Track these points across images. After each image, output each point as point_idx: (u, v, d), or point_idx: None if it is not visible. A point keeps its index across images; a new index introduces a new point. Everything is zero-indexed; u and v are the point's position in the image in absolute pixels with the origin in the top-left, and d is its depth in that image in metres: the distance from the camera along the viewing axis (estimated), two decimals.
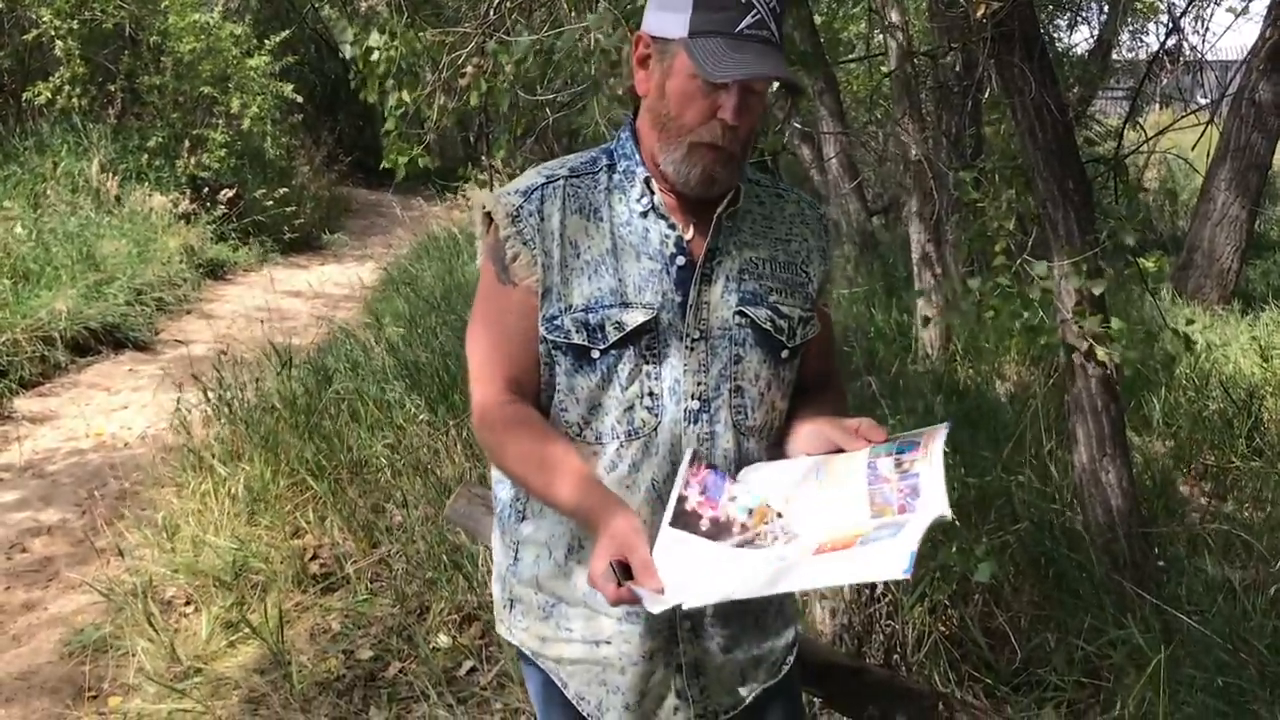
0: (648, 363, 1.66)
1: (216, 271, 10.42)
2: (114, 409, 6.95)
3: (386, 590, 4.10)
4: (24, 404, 7.09)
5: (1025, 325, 3.24)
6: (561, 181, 1.70)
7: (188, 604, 4.27)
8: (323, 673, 3.65)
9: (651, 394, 1.66)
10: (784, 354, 1.73)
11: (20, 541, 5.13)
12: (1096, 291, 3.32)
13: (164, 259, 9.42)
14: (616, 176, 1.71)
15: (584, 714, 1.80)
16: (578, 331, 1.65)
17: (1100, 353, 3.30)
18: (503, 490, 1.84)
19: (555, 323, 1.66)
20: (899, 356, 5.53)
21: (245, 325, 8.35)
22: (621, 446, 1.68)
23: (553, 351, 1.69)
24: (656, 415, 1.66)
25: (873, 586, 3.25)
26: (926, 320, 5.67)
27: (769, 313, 1.71)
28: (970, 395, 5.15)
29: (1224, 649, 2.89)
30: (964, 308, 3.69)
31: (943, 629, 3.30)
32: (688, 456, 1.60)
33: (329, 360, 6.23)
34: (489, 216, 1.72)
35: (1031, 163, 3.39)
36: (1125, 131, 3.89)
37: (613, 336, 1.64)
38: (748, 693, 1.83)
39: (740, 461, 1.70)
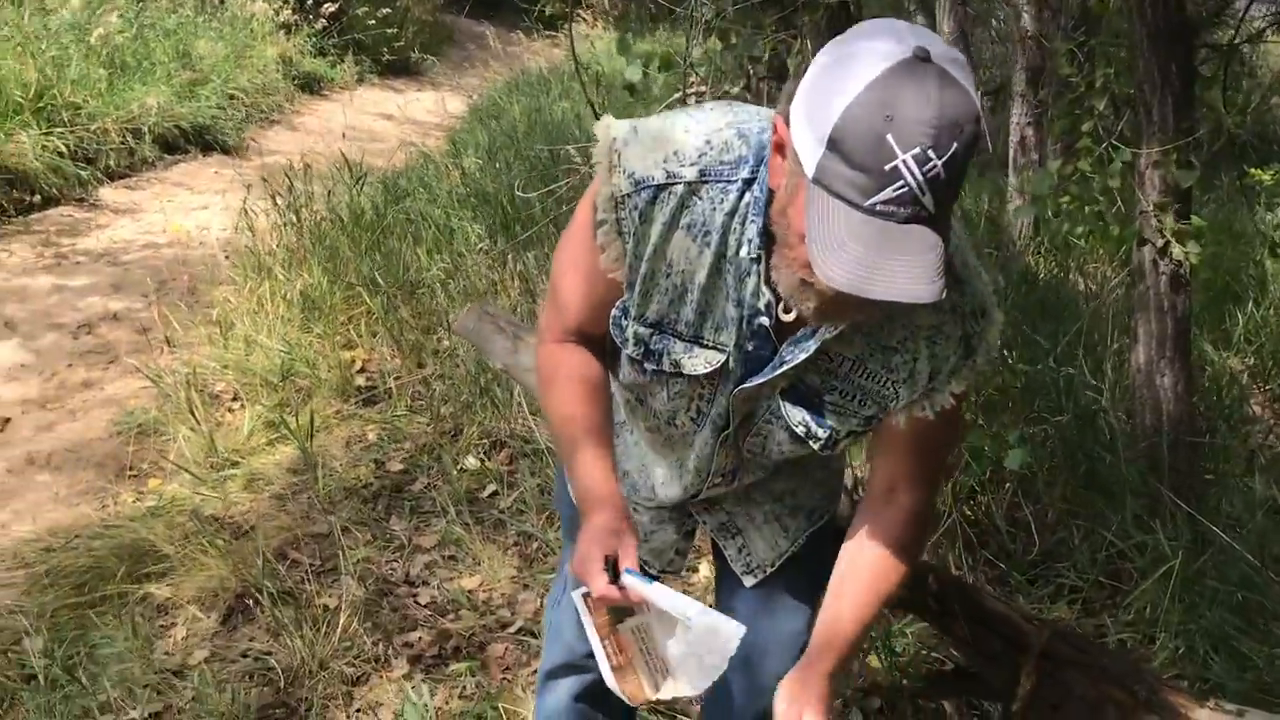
0: (702, 391, 1.55)
1: (311, 85, 10.40)
2: (194, 208, 7.05)
3: (424, 409, 4.14)
4: (109, 194, 7.22)
5: (1094, 213, 3.06)
6: (681, 189, 1.39)
7: (234, 400, 4.37)
8: (352, 479, 3.72)
9: (699, 412, 1.59)
10: (819, 449, 1.56)
11: (88, 324, 5.27)
12: (1184, 184, 3.13)
13: (260, 66, 9.42)
14: (749, 198, 1.39)
15: None
16: (636, 345, 1.53)
17: (1176, 250, 3.13)
18: None
19: (621, 324, 1.54)
20: (980, 237, 5.34)
21: (331, 141, 8.35)
22: (654, 421, 1.67)
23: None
24: (699, 425, 1.61)
25: None
26: (1016, 208, 5.44)
27: (807, 416, 1.51)
28: (1043, 286, 4.97)
29: (1250, 565, 2.79)
30: (1041, 191, 3.51)
31: (967, 512, 3.24)
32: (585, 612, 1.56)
33: (402, 181, 6.22)
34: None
35: (1136, 40, 3.17)
36: (1246, 19, 3.61)
37: (667, 369, 1.54)
38: (788, 543, 1.81)
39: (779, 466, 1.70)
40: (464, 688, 2.71)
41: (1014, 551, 3.23)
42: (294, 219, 5.33)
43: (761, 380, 1.49)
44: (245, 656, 2.82)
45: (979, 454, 3.10)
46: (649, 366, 1.54)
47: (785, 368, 1.46)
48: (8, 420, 4.34)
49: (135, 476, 3.95)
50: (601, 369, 1.64)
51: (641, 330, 1.51)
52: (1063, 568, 3.16)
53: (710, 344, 1.48)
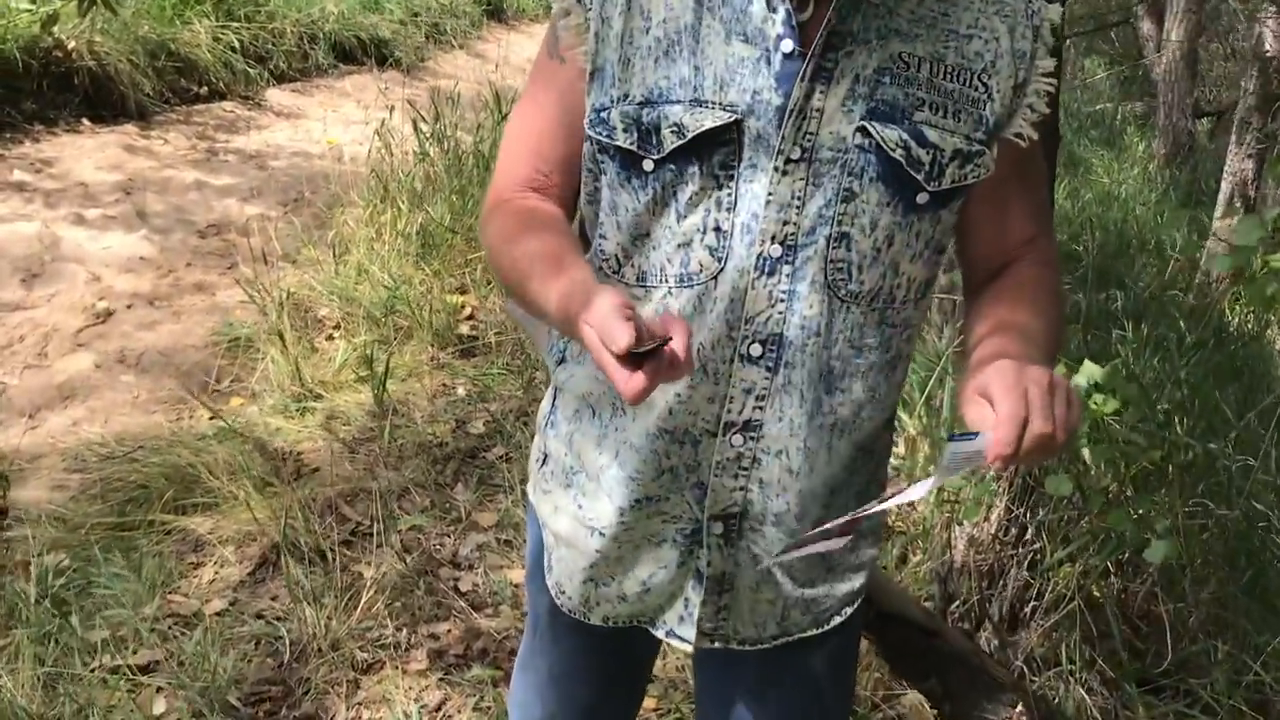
0: (720, 186, 1.21)
1: (500, 13, 10.24)
2: (355, 121, 6.94)
3: (521, 371, 3.87)
4: (275, 95, 7.18)
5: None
6: None
7: (336, 328, 4.18)
8: (428, 435, 3.48)
9: (718, 229, 1.22)
10: (921, 199, 1.22)
11: (218, 225, 5.19)
12: None
13: None
14: None
15: (565, 609, 1.47)
16: (626, 131, 1.21)
17: None
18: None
19: (602, 116, 1.23)
20: (1167, 278, 4.76)
21: (508, 73, 8.14)
22: (669, 295, 1.26)
23: (598, 155, 1.27)
24: (720, 259, 1.23)
25: (1021, 529, 2.76)
26: (1212, 255, 4.83)
27: (906, 135, 1.19)
28: (1234, 344, 4.38)
29: None
30: (1247, 241, 2.98)
31: (1096, 594, 2.79)
32: None
33: None
34: None
35: None
36: None
37: (670, 144, 1.19)
38: (778, 632, 1.43)
39: (829, 337, 1.25)
40: (481, 697, 2.43)
41: (1143, 652, 2.77)
42: (437, 147, 5.10)
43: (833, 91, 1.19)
44: (260, 618, 2.60)
45: (1114, 538, 2.64)
46: (650, 156, 1.20)
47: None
48: (111, 313, 4.26)
49: (219, 392, 3.80)
50: (566, 223, 1.31)
51: (630, 110, 1.21)
52: (1197, 683, 2.68)
53: (715, 104, 1.19)
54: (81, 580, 2.65)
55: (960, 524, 2.82)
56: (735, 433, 1.28)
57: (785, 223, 1.21)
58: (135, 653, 2.46)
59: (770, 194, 1.20)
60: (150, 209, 5.21)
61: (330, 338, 4.14)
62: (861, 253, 1.23)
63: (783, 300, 1.23)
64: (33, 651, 2.38)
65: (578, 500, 1.41)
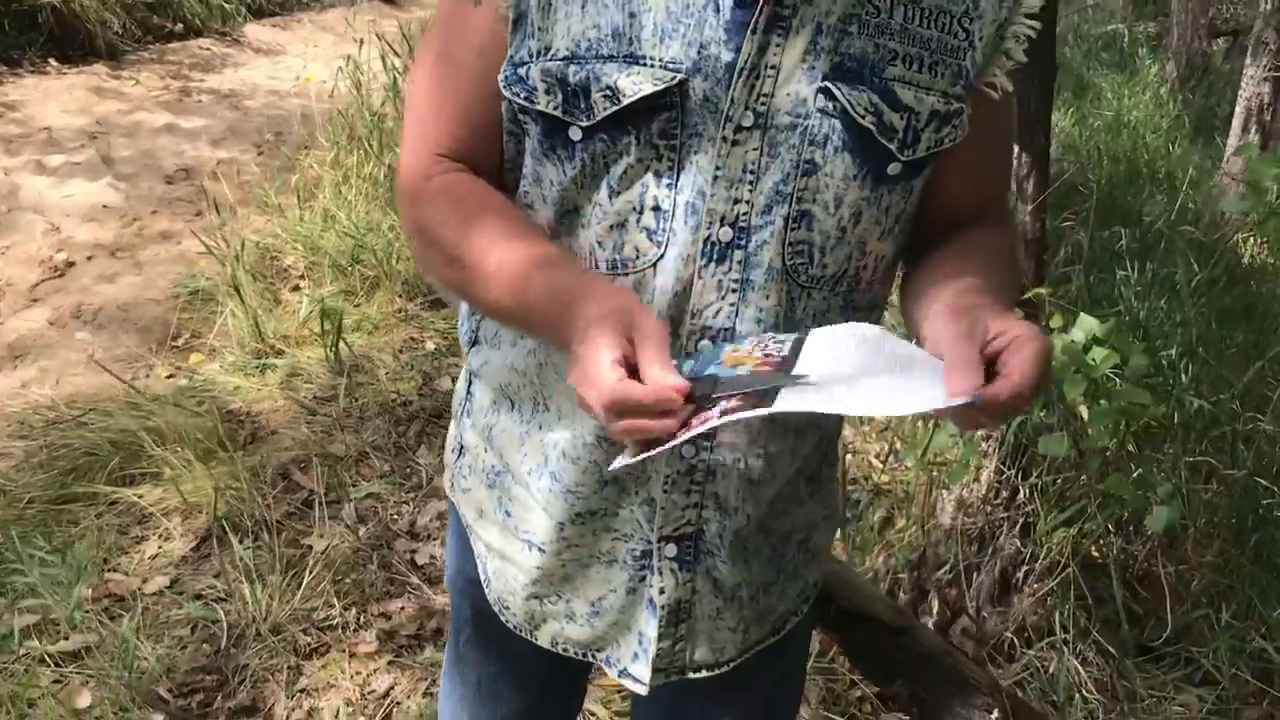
0: (659, 158, 1.02)
1: None
2: (336, 57, 6.69)
3: None
4: (254, 31, 6.93)
5: None
6: None
7: (302, 278, 4.00)
8: (392, 393, 3.31)
9: (658, 209, 1.03)
10: (892, 169, 1.04)
11: (187, 170, 4.99)
12: None
13: None
14: None
15: (510, 625, 1.30)
16: (549, 93, 1.02)
17: None
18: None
19: (520, 73, 1.04)
20: (1176, 212, 4.53)
21: None
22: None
23: (520, 116, 1.07)
24: (659, 244, 1.04)
25: (1013, 491, 2.59)
26: (1223, 196, 4.59)
27: (876, 98, 1.01)
28: (1247, 283, 4.16)
29: None
30: (1260, 178, 2.77)
31: (1096, 554, 2.63)
32: None
33: None
34: None
35: None
36: None
37: (602, 110, 1.01)
38: (737, 653, 1.25)
39: (786, 326, 1.07)
40: (434, 680, 2.28)
41: (1141, 619, 2.61)
42: (405, 86, 4.87)
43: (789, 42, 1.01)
44: (199, 598, 2.45)
45: (1111, 500, 2.47)
46: (577, 123, 1.02)
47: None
48: (71, 264, 4.09)
49: (179, 348, 3.64)
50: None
51: (553, 67, 1.02)
52: (1198, 652, 2.52)
53: (653, 61, 1.00)
54: (14, 558, 2.50)
55: (946, 487, 2.65)
56: (686, 441, 1.10)
57: (736, 201, 1.03)
58: (67, 638, 2.32)
59: (718, 168, 1.01)
60: (117, 154, 5.01)
61: (296, 288, 3.97)
62: (825, 233, 1.05)
63: (734, 290, 1.05)
64: None
65: (504, 506, 1.24)
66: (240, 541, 2.56)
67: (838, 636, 1.62)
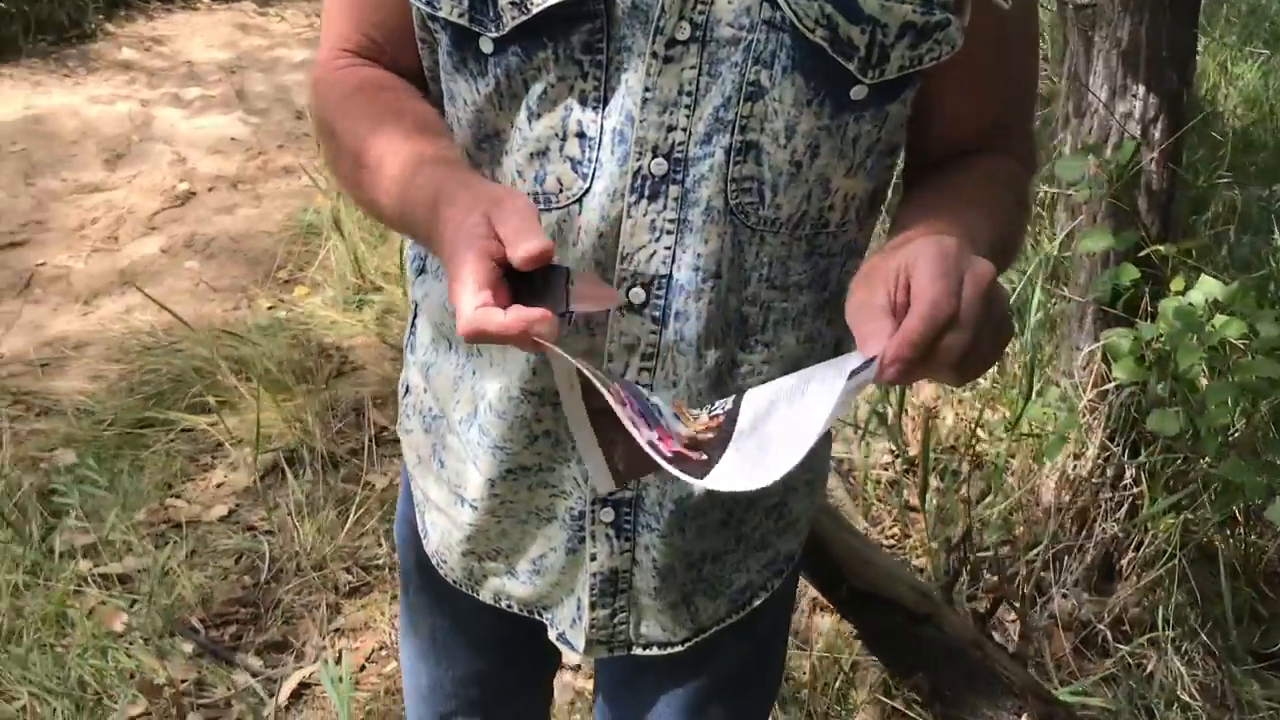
0: (583, 76, 0.87)
1: None
2: None
3: None
4: None
5: None
6: None
7: None
8: None
9: (582, 135, 0.89)
10: (856, 94, 0.87)
11: None
12: None
13: None
14: None
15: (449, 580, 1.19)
16: (455, 1, 0.89)
17: None
18: None
19: None
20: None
21: None
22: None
23: (428, 23, 0.94)
24: (585, 176, 0.90)
25: (1119, 471, 2.33)
26: None
27: (830, 7, 0.83)
28: None
29: None
30: None
31: (1220, 544, 2.36)
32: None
33: None
34: None
35: None
36: None
37: (510, 19, 0.86)
38: (691, 632, 1.12)
39: (736, 277, 0.92)
40: None
41: (1262, 619, 2.34)
42: None
43: None
44: (250, 530, 2.42)
45: (1235, 491, 2.20)
46: (487, 34, 0.88)
47: None
48: (192, 195, 4.15)
49: (284, 281, 3.65)
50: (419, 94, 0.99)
51: None
52: None
53: None
54: (83, 479, 2.52)
55: (1042, 462, 2.42)
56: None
57: (670, 129, 0.87)
58: (119, 560, 2.33)
59: (648, 89, 0.86)
60: (251, 89, 5.08)
61: None
62: (775, 168, 0.89)
63: (669, 232, 0.90)
64: (10, 554, 2.27)
65: (439, 455, 1.13)
66: (300, 476, 2.52)
67: (853, 619, 1.44)
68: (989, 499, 2.42)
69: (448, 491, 1.11)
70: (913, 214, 0.91)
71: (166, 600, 2.17)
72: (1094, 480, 2.38)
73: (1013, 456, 2.53)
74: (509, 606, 1.15)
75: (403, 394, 1.21)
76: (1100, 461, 2.37)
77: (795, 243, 0.92)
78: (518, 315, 0.74)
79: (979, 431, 2.58)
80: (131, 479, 2.56)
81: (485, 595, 1.15)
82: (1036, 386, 2.37)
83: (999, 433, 2.48)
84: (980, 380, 2.67)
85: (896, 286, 0.74)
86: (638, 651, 1.12)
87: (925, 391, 2.76)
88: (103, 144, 4.36)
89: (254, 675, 2.06)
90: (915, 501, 2.50)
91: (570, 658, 1.10)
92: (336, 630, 2.19)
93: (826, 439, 1.13)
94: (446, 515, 1.12)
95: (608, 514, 1.02)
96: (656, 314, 0.92)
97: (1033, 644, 1.92)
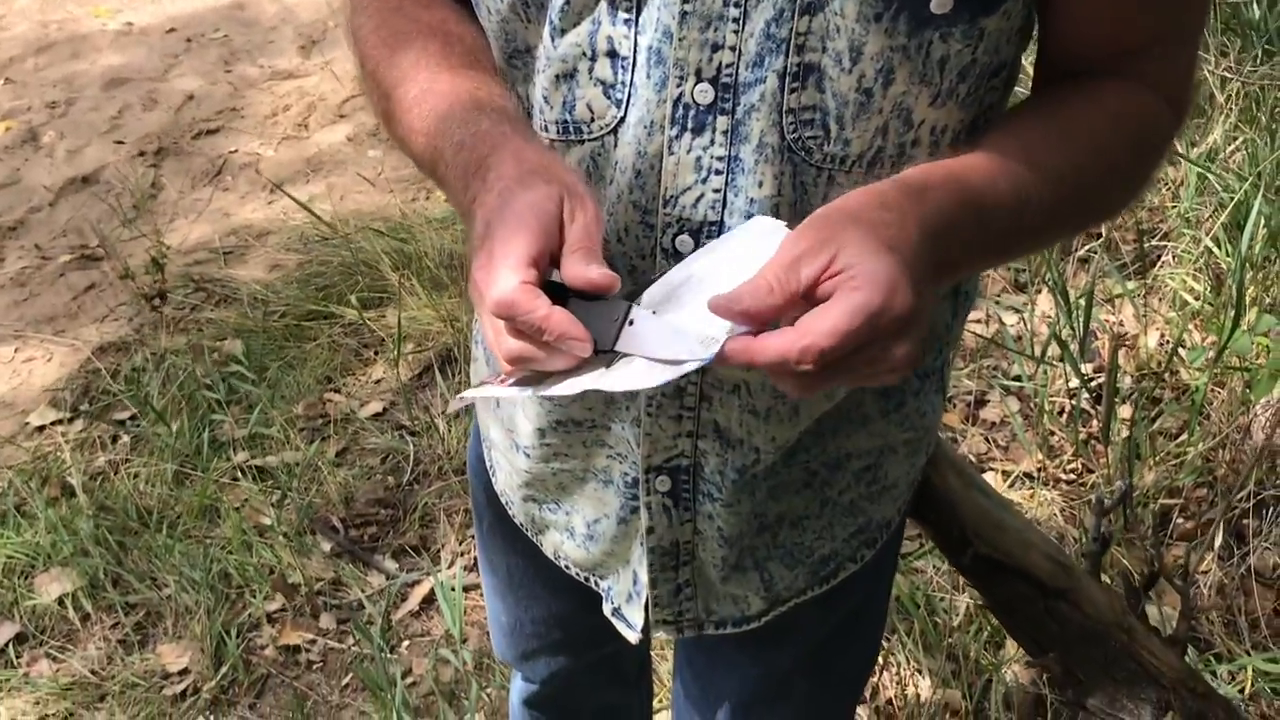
0: None
1: None
2: None
3: None
4: None
5: None
6: None
7: None
8: None
9: (613, 54, 0.75)
10: (938, 5, 0.70)
11: None
12: None
13: None
14: None
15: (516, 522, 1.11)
16: None
17: None
18: None
19: None
20: None
21: None
22: (551, 150, 0.80)
23: None
24: (618, 103, 0.77)
25: None
26: None
27: None
28: None
29: None
30: None
31: None
32: None
33: None
34: None
35: None
36: None
37: None
38: (766, 606, 1.00)
39: (797, 221, 0.71)
40: None
41: None
42: None
43: None
44: (400, 429, 2.42)
45: None
46: None
47: None
48: None
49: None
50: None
51: None
52: None
53: None
54: (252, 370, 2.58)
55: (1251, 401, 2.14)
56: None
57: (716, 48, 0.73)
58: (277, 454, 2.37)
59: (690, 4, 0.71)
60: None
61: None
62: (840, 96, 0.74)
63: (718, 172, 0.77)
64: (171, 443, 2.34)
65: (496, 398, 1.04)
66: (451, 377, 2.50)
67: (978, 586, 1.28)
68: (1184, 437, 2.16)
69: (505, 434, 1.02)
70: (973, 151, 0.74)
71: (312, 498, 2.19)
72: None
73: (1220, 386, 2.25)
74: (567, 567, 1.06)
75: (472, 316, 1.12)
76: None
77: (871, 181, 0.76)
78: (567, 319, 0.65)
79: (1180, 355, 2.30)
80: (295, 371, 2.59)
81: (546, 547, 1.07)
82: (1248, 317, 2.09)
83: (1199, 363, 2.20)
84: (1188, 299, 2.38)
85: (823, 279, 0.64)
86: (710, 631, 1.01)
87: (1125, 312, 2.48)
88: (300, 30, 4.40)
89: (389, 578, 2.07)
90: (1100, 432, 2.27)
91: (629, 636, 1.00)
92: (473, 536, 2.17)
93: (937, 395, 0.97)
94: (506, 458, 1.04)
95: (663, 482, 0.91)
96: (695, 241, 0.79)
97: (1196, 621, 1.70)
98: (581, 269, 0.67)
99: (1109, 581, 2.09)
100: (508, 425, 1.00)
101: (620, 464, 0.93)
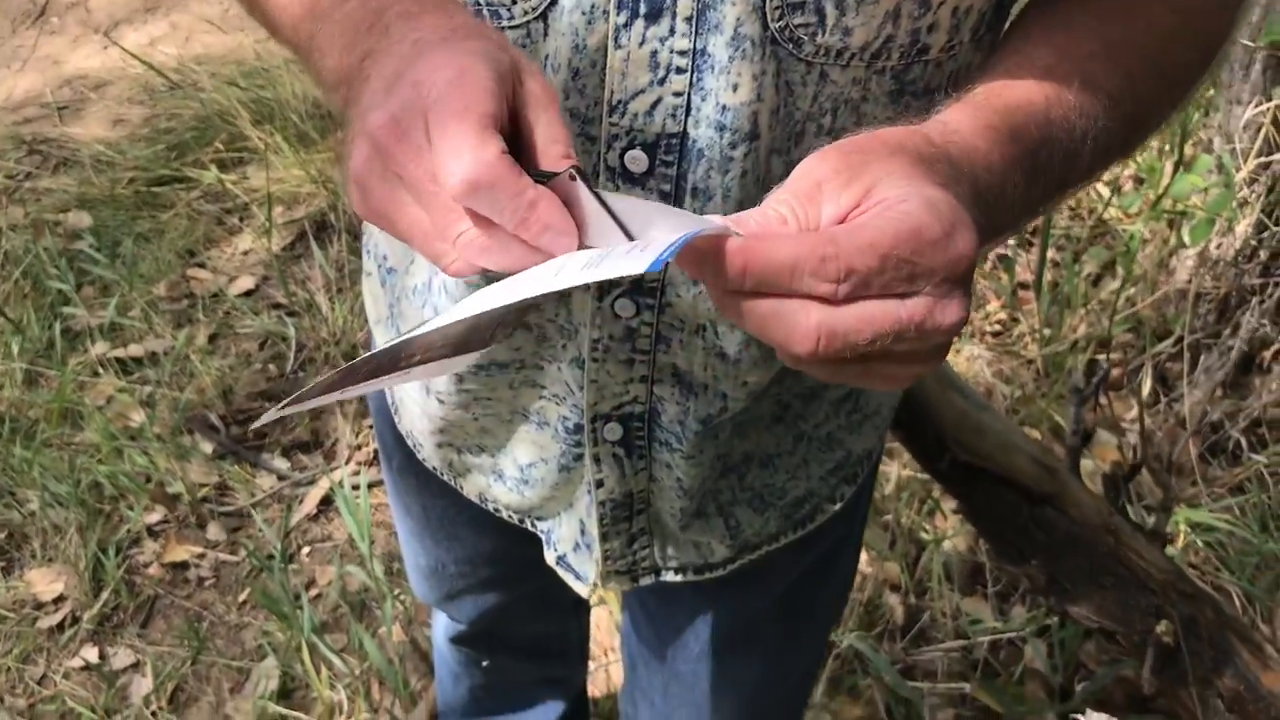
0: None
1: None
2: None
3: None
4: None
5: None
6: None
7: None
8: None
9: None
10: None
11: None
12: None
13: None
14: None
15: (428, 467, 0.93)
16: None
17: None
18: None
19: None
20: None
21: None
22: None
23: None
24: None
25: (1273, 254, 1.97)
26: None
27: None
28: None
29: None
30: None
31: None
32: None
33: None
34: None
35: None
36: None
37: None
38: (732, 553, 0.87)
39: (784, 133, 0.60)
40: None
41: None
42: None
43: None
44: (277, 308, 2.20)
45: None
46: None
47: None
48: None
49: None
50: None
51: None
52: None
53: None
54: (106, 243, 2.30)
55: (1183, 245, 2.06)
56: (621, 295, 0.67)
57: None
58: (140, 341, 2.13)
59: None
60: None
61: None
62: None
63: (680, 70, 0.58)
64: (18, 336, 2.08)
65: (395, 321, 0.87)
66: (328, 245, 2.27)
67: (955, 494, 1.18)
68: (1115, 285, 2.09)
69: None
70: (997, 63, 0.58)
71: (187, 393, 1.98)
72: (1240, 264, 2.03)
73: (1149, 237, 2.17)
74: (495, 511, 0.90)
75: (366, 239, 0.93)
76: (1253, 243, 2.01)
77: (874, 79, 0.60)
78: (556, 206, 0.47)
79: (1113, 205, 2.21)
80: (152, 246, 2.33)
81: (469, 492, 0.91)
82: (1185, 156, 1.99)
83: (1133, 209, 2.11)
84: None
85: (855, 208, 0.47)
86: (669, 578, 0.88)
87: None
88: None
89: (280, 479, 1.89)
90: (1029, 278, 2.18)
91: (578, 589, 0.86)
92: (370, 426, 1.99)
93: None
94: (414, 400, 0.86)
95: (613, 430, 0.75)
96: (666, 187, 0.61)
97: (1156, 458, 1.65)
98: (554, 146, 0.48)
99: (1039, 436, 2.04)
100: None
101: (558, 406, 0.77)
